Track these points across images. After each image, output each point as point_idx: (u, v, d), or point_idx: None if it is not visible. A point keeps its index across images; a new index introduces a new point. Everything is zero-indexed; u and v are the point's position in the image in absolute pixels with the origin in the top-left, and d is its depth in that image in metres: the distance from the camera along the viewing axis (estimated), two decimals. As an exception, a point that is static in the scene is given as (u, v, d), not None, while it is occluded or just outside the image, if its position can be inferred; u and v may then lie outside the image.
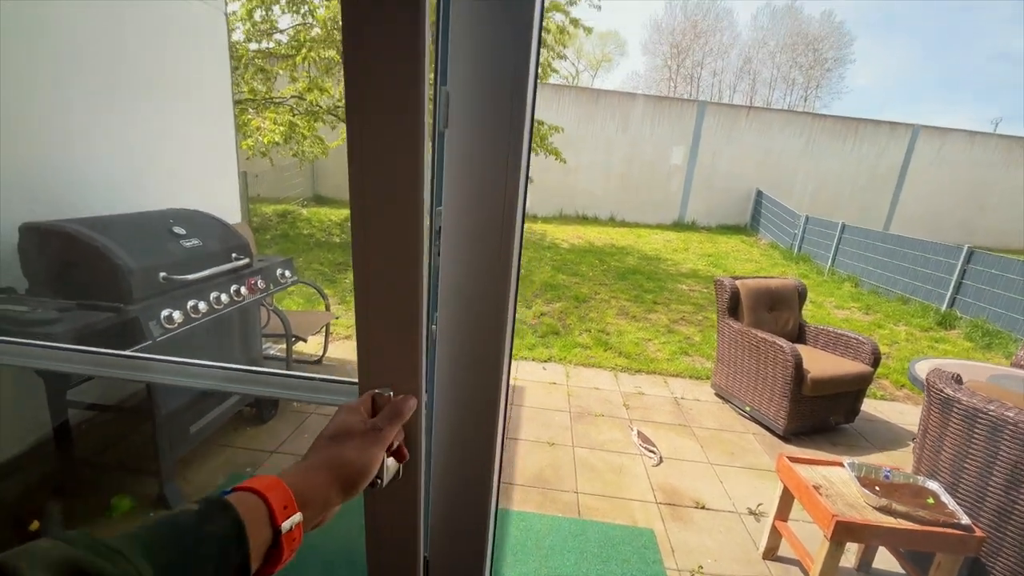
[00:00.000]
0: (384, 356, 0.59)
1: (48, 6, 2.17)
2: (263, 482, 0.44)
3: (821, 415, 3.24)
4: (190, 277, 2.10)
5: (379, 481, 0.54)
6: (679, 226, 13.34)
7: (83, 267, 1.89)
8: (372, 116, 0.51)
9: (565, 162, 9.28)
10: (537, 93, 0.61)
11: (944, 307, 6.73)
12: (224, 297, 2.30)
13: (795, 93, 29.45)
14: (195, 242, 2.27)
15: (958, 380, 1.90)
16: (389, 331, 0.58)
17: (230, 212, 3.55)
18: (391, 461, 0.56)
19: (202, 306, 2.15)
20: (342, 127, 7.78)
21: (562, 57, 8.61)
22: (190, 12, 3.06)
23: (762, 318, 3.62)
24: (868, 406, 3.75)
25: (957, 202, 13.82)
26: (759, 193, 13.01)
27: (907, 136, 13.36)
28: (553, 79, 10.12)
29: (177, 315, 2.02)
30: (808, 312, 6.21)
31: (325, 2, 5.81)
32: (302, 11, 5.92)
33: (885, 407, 3.88)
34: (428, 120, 0.55)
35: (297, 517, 0.43)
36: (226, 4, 3.43)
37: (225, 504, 0.41)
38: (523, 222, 0.64)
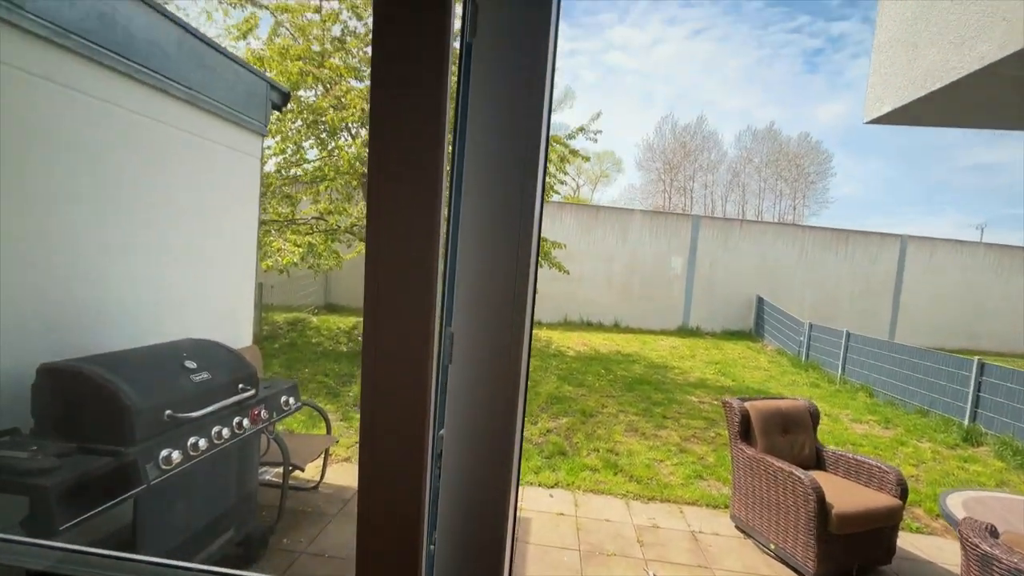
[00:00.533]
0: (388, 471, 0.58)
1: (91, 144, 2.46)
2: None
3: (854, 555, 2.97)
4: (194, 415, 2.11)
5: None
6: (684, 331, 13.38)
7: (92, 408, 1.91)
8: (390, 235, 0.56)
9: (568, 273, 9.63)
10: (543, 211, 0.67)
11: (967, 421, 6.46)
12: (225, 431, 2.28)
13: (784, 202, 31.28)
14: (204, 376, 2.31)
15: (993, 532, 1.78)
16: (394, 446, 0.58)
17: (243, 332, 3.65)
18: None
19: (202, 443, 2.13)
20: (358, 243, 8.26)
21: (563, 182, 9.35)
22: (229, 156, 3.43)
23: (776, 443, 3.48)
24: (904, 541, 3.45)
25: (957, 308, 13.95)
26: (760, 299, 13.23)
27: (896, 246, 13.91)
28: (555, 196, 10.90)
29: (176, 455, 1.99)
30: (824, 426, 5.98)
31: (350, 142, 6.52)
32: (329, 147, 6.61)
33: (923, 543, 3.56)
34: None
35: None
36: (262, 149, 3.85)
37: None
38: (531, 338, 0.65)
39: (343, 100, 6.01)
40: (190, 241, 3.10)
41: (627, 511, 3.72)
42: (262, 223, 6.86)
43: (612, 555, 3.10)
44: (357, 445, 4.56)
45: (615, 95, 44.80)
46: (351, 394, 6.06)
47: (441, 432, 0.64)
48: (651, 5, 41.82)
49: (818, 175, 30.39)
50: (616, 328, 13.29)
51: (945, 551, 3.44)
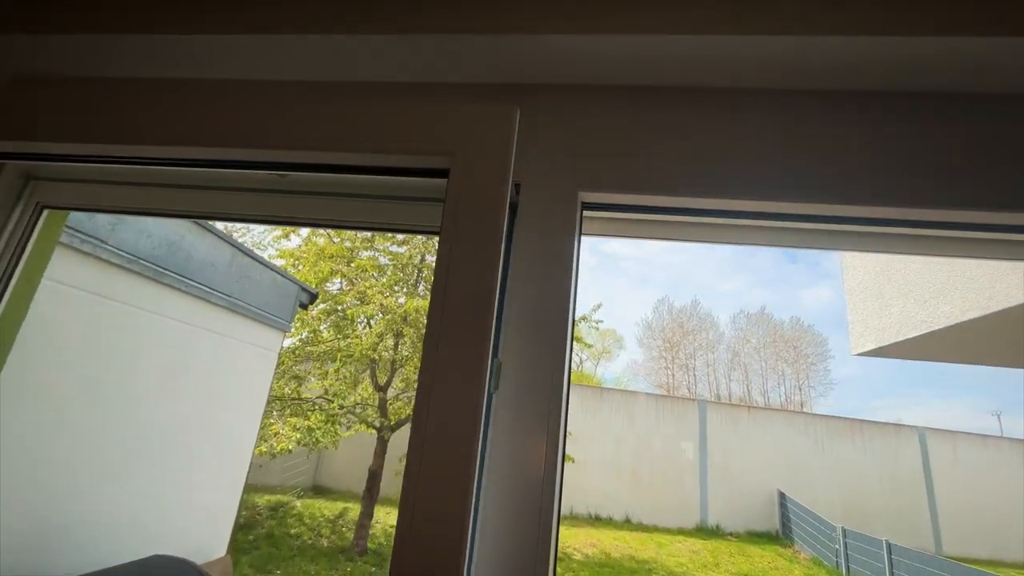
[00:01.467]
0: None
1: (125, 350, 2.58)
2: None
3: None
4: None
5: None
6: (703, 531, 12.02)
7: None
8: (441, 389, 0.63)
9: (573, 461, 9.13)
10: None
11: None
12: None
13: (788, 382, 31.05)
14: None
15: None
16: None
17: (220, 539, 3.34)
18: None
19: None
20: (356, 424, 8.06)
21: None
22: (251, 352, 3.60)
23: None
24: None
25: (1003, 513, 12.68)
26: (782, 496, 12.20)
27: (914, 437, 13.34)
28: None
29: None
30: None
31: (366, 332, 6.89)
32: (345, 332, 6.95)
33: None
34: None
35: None
36: (281, 344, 4.06)
37: None
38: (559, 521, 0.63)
39: (366, 295, 6.54)
40: (192, 440, 3.06)
41: None
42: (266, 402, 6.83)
43: None
44: None
45: (613, 277, 48.63)
46: (324, 611, 5.22)
47: None
48: (641, 205, 47.90)
49: (817, 357, 30.81)
50: (628, 524, 12.00)
51: None
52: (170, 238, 2.83)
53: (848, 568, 8.93)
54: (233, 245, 3.27)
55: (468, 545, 0.61)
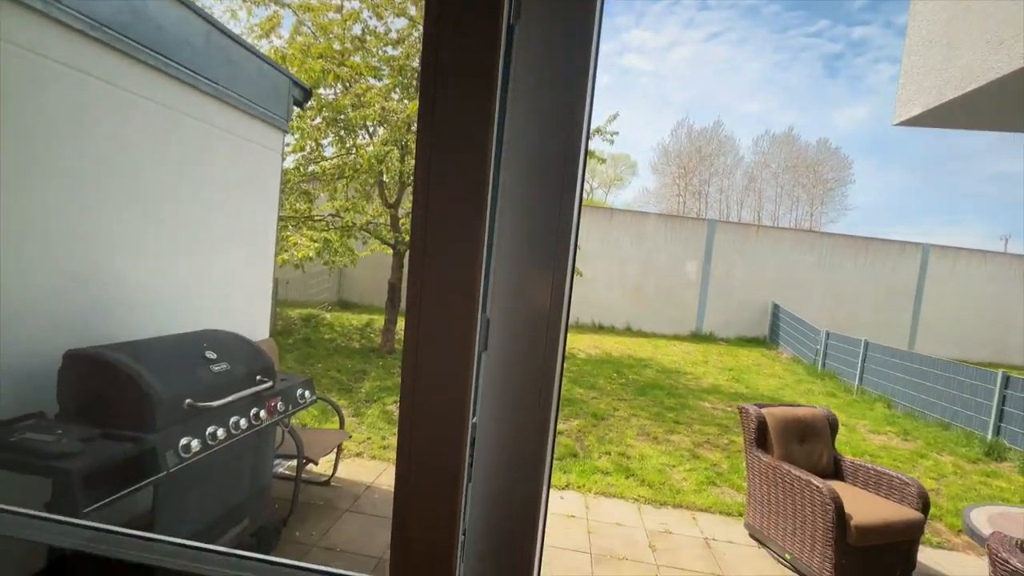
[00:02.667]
0: (428, 458, 0.58)
1: (122, 136, 2.50)
2: None
3: (873, 569, 2.90)
4: (214, 404, 2.13)
5: None
6: (697, 337, 13.24)
7: (115, 394, 1.94)
8: (437, 232, 0.56)
9: (582, 275, 9.59)
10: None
11: (990, 435, 6.29)
12: (243, 422, 2.30)
13: (800, 209, 30.80)
14: (224, 366, 2.34)
15: (1022, 547, 1.73)
16: (435, 428, 0.58)
17: (259, 326, 3.69)
18: None
19: (220, 433, 2.15)
20: (372, 241, 8.31)
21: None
22: (253, 150, 3.47)
23: (793, 451, 3.42)
24: (925, 556, 3.36)
25: (981, 320, 13.59)
26: (776, 307, 13.04)
27: (918, 255, 13.61)
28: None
29: (195, 444, 2.01)
30: (841, 436, 5.86)
31: (369, 142, 6.57)
32: (347, 145, 6.67)
33: (944, 558, 3.47)
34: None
35: None
36: (283, 144, 3.90)
37: None
38: (567, 331, 0.65)
39: (362, 98, 6.06)
40: (211, 233, 3.14)
41: (639, 516, 3.69)
42: (280, 219, 6.95)
43: (624, 559, 3.07)
44: (368, 441, 4.58)
45: (630, 98, 44.63)
46: (363, 390, 6.09)
47: (474, 420, 0.63)
48: (667, 8, 41.62)
49: (837, 182, 29.89)
50: (628, 332, 13.20)
51: (967, 567, 3.35)
52: (132, 4, 2.47)
53: (824, 364, 9.98)
54: (205, 19, 2.88)
55: (473, 380, 0.59)
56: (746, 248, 13.55)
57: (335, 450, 3.61)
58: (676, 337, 13.00)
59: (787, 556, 3.12)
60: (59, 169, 2.16)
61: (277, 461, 3.58)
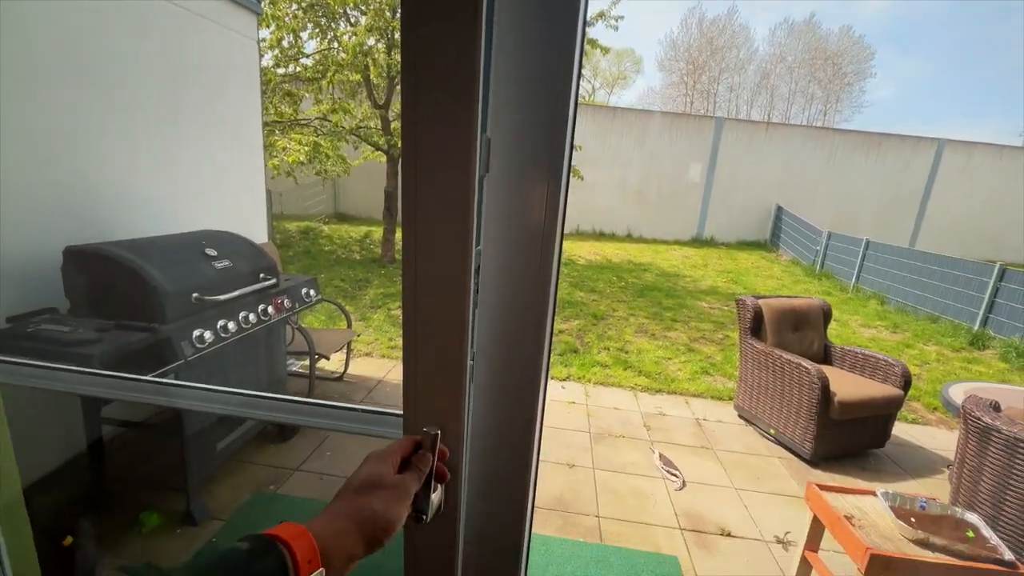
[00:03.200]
0: (430, 390, 0.61)
1: (95, 38, 2.30)
2: (289, 531, 0.42)
3: (849, 440, 3.15)
4: (221, 298, 2.16)
5: (424, 517, 0.55)
6: (697, 242, 13.23)
7: (121, 288, 1.97)
8: (426, 163, 0.54)
9: (582, 179, 9.33)
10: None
11: (976, 326, 6.51)
12: (252, 317, 2.35)
13: (814, 107, 29.21)
14: (226, 263, 2.34)
15: (996, 407, 1.84)
16: (434, 366, 0.60)
17: (257, 232, 3.65)
18: (436, 496, 0.57)
19: (231, 326, 2.21)
20: (364, 146, 7.98)
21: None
22: (225, 41, 3.20)
23: (786, 339, 3.55)
24: (899, 430, 3.63)
25: (986, 218, 13.44)
26: (779, 209, 12.86)
27: (932, 150, 13.12)
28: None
29: (208, 335, 2.08)
30: (833, 331, 6.08)
31: (351, 30, 6.01)
32: (328, 37, 6.13)
33: (917, 431, 3.75)
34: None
35: (319, 574, 0.42)
36: (257, 31, 3.58)
37: (270, 543, 0.41)
38: (560, 253, 0.65)
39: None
40: (199, 134, 2.99)
41: (635, 401, 3.93)
42: (265, 124, 6.60)
43: (620, 437, 3.32)
44: (376, 342, 4.76)
45: (638, -18, 40.26)
46: (367, 297, 6.21)
47: (473, 350, 0.63)
48: None
49: (855, 75, 27.99)
50: (629, 238, 13.16)
51: (937, 439, 3.63)
52: None
53: (823, 264, 10.06)
54: None
55: (471, 298, 0.57)
56: (753, 147, 13.04)
57: (345, 348, 3.76)
58: (677, 242, 12.99)
59: (771, 431, 3.37)
60: (38, 65, 1.99)
61: (290, 360, 3.75)
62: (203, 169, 3.07)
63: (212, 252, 2.33)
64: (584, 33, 0.60)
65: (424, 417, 0.62)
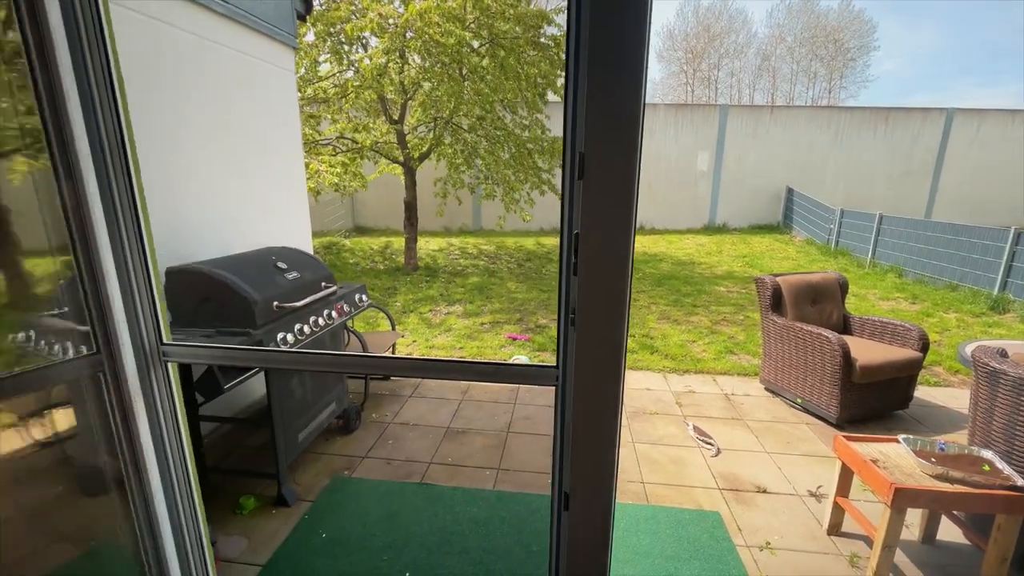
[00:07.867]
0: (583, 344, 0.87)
1: (156, 66, 2.61)
2: None
3: (873, 403, 3.33)
4: (297, 304, 2.45)
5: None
6: (710, 230, 13.34)
7: (216, 300, 2.26)
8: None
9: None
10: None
11: (996, 291, 6.58)
12: (320, 320, 2.64)
13: (818, 86, 28.95)
14: (295, 275, 2.63)
15: (1003, 354, 2.04)
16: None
17: (305, 244, 3.96)
18: None
19: (306, 329, 2.50)
20: (381, 161, 8.30)
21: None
22: (267, 71, 3.51)
23: (806, 312, 3.74)
24: (922, 393, 3.80)
25: (1002, 184, 13.30)
26: (790, 191, 12.92)
27: (941, 120, 13.05)
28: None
29: (289, 337, 2.36)
30: (851, 305, 6.21)
31: (368, 54, 6.32)
32: (344, 62, 6.45)
33: (939, 393, 3.90)
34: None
35: None
36: (294, 53, 3.88)
37: None
38: (633, 243, 0.90)
39: (358, 4, 5.77)
40: (248, 159, 3.30)
41: (665, 382, 4.14)
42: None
43: (655, 413, 3.54)
44: (414, 344, 5.04)
45: (631, -24, 40.20)
46: (398, 303, 6.51)
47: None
48: None
49: (859, 50, 27.69)
50: (642, 230, 13.31)
51: (960, 399, 3.78)
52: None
53: (838, 242, 10.12)
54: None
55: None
56: (759, 131, 13.13)
57: (391, 348, 4.04)
58: (689, 231, 13.11)
59: (799, 400, 3.56)
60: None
61: (340, 364, 4.04)
62: (256, 192, 3.38)
63: (283, 265, 2.62)
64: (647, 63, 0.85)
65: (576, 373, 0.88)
